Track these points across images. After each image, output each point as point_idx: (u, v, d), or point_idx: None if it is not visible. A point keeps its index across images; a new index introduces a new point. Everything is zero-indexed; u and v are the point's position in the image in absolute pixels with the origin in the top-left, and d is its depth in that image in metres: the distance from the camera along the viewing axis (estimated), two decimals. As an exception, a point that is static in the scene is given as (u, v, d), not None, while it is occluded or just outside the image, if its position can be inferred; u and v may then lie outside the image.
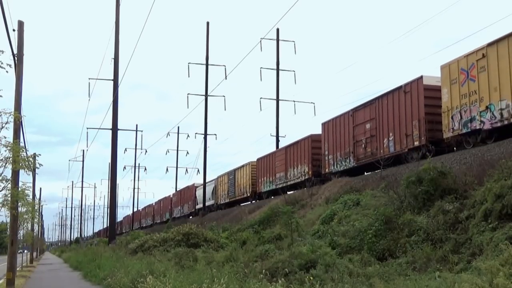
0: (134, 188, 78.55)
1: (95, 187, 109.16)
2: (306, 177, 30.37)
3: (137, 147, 69.13)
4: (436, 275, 10.23)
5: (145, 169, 75.71)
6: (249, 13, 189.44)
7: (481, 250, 10.98)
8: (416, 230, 13.58)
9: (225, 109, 54.04)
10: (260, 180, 37.40)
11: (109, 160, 38.47)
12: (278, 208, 23.67)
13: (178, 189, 63.54)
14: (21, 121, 16.13)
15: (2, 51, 12.60)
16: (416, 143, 21.21)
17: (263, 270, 12.95)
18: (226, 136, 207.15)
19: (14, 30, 15.86)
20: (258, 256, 16.87)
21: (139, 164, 77.70)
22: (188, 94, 46.99)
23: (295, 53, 44.11)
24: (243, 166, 41.34)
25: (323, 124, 28.90)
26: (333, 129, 27.71)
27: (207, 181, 47.42)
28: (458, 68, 19.14)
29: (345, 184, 24.14)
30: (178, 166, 68.26)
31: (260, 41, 40.91)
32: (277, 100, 43.42)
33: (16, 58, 16.02)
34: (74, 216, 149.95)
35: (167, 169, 66.69)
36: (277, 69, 43.87)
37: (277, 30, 44.10)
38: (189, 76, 47.08)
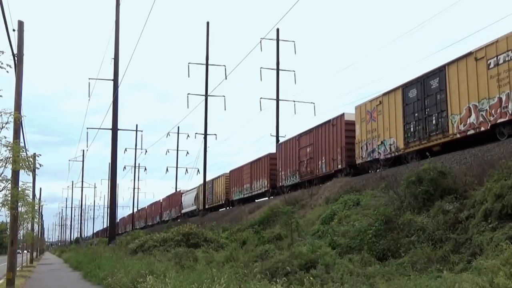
0: (134, 188, 78.79)
1: (95, 187, 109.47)
2: (266, 189, 35.78)
3: (137, 147, 69.29)
4: (442, 273, 10.22)
5: (145, 169, 75.94)
6: (249, 13, 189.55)
7: (481, 250, 10.98)
8: (416, 230, 13.57)
9: (225, 109, 54.18)
10: (232, 190, 42.78)
11: (109, 160, 38.55)
12: (278, 208, 23.67)
13: (167, 195, 67.77)
14: (21, 121, 16.12)
15: (2, 52, 12.58)
16: (339, 166, 26.49)
17: (263, 270, 12.95)
18: (226, 136, 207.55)
19: (14, 30, 15.85)
20: (258, 256, 16.86)
21: (139, 164, 77.93)
22: (188, 94, 47.16)
23: (295, 53, 44.22)
24: (219, 176, 46.86)
25: (279, 145, 34.23)
26: (285, 150, 32.89)
27: (190, 188, 52.98)
28: (366, 110, 24.50)
29: (345, 184, 24.14)
30: (178, 166, 68.49)
31: (260, 41, 40.94)
32: (277, 100, 43.43)
33: (16, 58, 16.00)
34: (74, 216, 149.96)
35: (167, 169, 66.89)
36: (277, 69, 43.87)
37: (277, 30, 44.14)
38: (189, 76, 47.16)
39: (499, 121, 17.17)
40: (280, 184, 32.48)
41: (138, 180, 79.09)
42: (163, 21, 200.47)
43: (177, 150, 67.84)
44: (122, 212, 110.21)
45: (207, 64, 46.96)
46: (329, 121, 27.86)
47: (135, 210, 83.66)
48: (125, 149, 67.52)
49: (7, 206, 14.96)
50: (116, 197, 39.46)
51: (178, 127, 68.55)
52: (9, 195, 14.75)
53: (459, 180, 14.79)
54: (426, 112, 20.67)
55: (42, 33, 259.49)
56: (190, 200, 54.10)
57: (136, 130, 63.11)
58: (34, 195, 34.94)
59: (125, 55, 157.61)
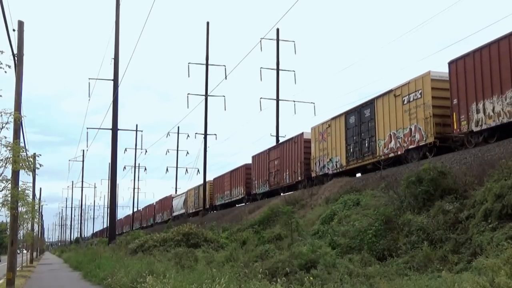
0: (134, 188, 78.71)
1: (95, 187, 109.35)
2: (242, 195, 40.20)
3: (137, 147, 69.19)
4: (442, 273, 10.22)
5: (145, 169, 75.77)
6: (249, 13, 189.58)
7: (481, 250, 10.97)
8: (416, 230, 13.57)
9: (225, 109, 54.13)
10: (215, 195, 47.63)
11: (109, 160, 38.54)
12: (278, 208, 23.68)
13: (159, 198, 72.76)
14: (21, 121, 16.10)
15: (2, 51, 12.56)
16: (299, 178, 30.67)
17: (263, 270, 12.94)
18: (226, 136, 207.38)
19: (14, 30, 15.83)
20: (258, 256, 16.87)
21: (139, 164, 77.85)
22: (188, 94, 47.16)
23: (295, 53, 44.23)
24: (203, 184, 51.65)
25: (253, 157, 38.26)
26: (258, 162, 37.26)
27: (180, 193, 57.64)
28: (318, 131, 29.05)
29: (345, 184, 24.15)
30: (178, 166, 68.48)
31: (260, 41, 40.94)
32: (277, 100, 43.42)
33: (16, 58, 15.99)
34: (74, 216, 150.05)
35: (167, 169, 66.86)
36: (277, 69, 43.86)
37: (277, 30, 44.13)
38: (189, 76, 47.14)
39: (410, 147, 21.40)
40: (254, 191, 37.29)
41: (138, 180, 79.12)
42: (164, 21, 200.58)
43: (177, 150, 67.92)
44: (122, 212, 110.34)
45: (207, 64, 46.96)
46: (292, 138, 32.53)
47: (136, 210, 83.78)
48: (125, 149, 67.49)
49: (7, 206, 14.96)
50: (116, 197, 39.48)
51: (178, 127, 68.72)
52: (9, 195, 14.74)
53: (459, 180, 14.78)
54: (361, 136, 25.03)
55: (43, 33, 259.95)
56: (179, 204, 59.21)
57: (136, 130, 63.12)
58: (34, 195, 34.94)
59: (126, 55, 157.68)
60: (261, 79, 43.88)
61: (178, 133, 66.60)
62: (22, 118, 16.33)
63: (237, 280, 11.57)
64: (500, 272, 7.81)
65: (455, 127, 19.03)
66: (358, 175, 26.02)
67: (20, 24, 16.35)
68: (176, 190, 67.83)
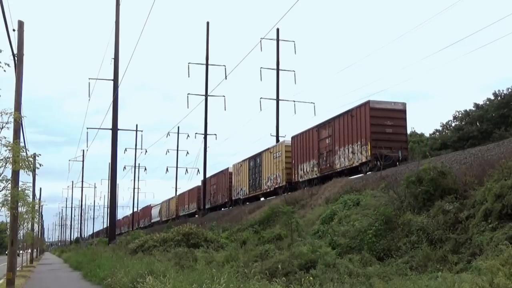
0: (134, 188, 78.79)
1: (95, 187, 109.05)
2: (195, 210, 52.46)
3: (137, 147, 69.15)
4: (436, 275, 10.22)
5: (145, 169, 75.48)
6: (249, 13, 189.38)
7: (481, 250, 10.97)
8: (416, 230, 13.57)
9: (225, 109, 53.89)
10: (179, 208, 60.64)
11: (109, 160, 38.54)
12: (278, 208, 23.66)
13: (141, 207, 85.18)
14: (22, 121, 16.10)
15: (1, 50, 12.55)
16: (226, 199, 44.59)
17: (263, 270, 12.94)
18: (226, 136, 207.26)
19: (14, 30, 15.82)
20: (258, 256, 16.87)
21: (139, 164, 77.72)
22: (188, 94, 47.20)
23: (295, 53, 44.29)
24: (172, 197, 65.78)
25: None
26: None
27: (157, 203, 69.45)
28: (236, 167, 41.97)
29: (345, 184, 24.15)
30: (178, 166, 68.54)
31: (260, 41, 40.94)
32: (277, 100, 43.42)
33: (16, 58, 15.99)
34: (74, 216, 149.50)
35: (167, 169, 66.80)
36: (277, 69, 43.86)
37: (277, 30, 44.14)
38: (189, 76, 47.05)
39: (276, 186, 34.18)
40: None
41: (138, 180, 79.21)
42: (164, 21, 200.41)
43: (177, 150, 67.94)
44: (122, 212, 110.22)
45: (207, 64, 46.94)
46: (222, 171, 46.92)
47: (135, 210, 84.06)
48: (125, 149, 67.37)
49: (7, 206, 14.95)
50: (116, 197, 39.50)
51: (178, 127, 68.58)
52: (9, 195, 14.74)
53: (459, 180, 14.76)
54: (255, 176, 38.06)
55: (45, 34, 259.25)
56: (156, 213, 73.19)
57: (136, 130, 63.04)
58: (34, 195, 34.98)
59: (127, 55, 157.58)
60: (261, 79, 44.02)
61: (178, 133, 66.69)
62: (22, 118, 16.33)
63: (236, 280, 11.56)
64: (498, 273, 7.80)
65: (293, 177, 32.13)
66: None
67: (20, 24, 16.35)
68: (176, 190, 68.19)
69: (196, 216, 48.96)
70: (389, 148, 23.94)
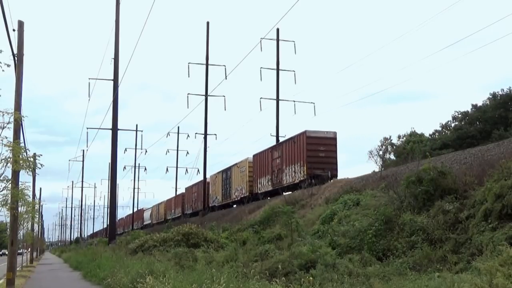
0: (134, 188, 78.84)
1: (95, 187, 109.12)
2: (180, 214, 58.95)
3: (137, 147, 69.12)
4: (435, 275, 10.22)
5: (145, 169, 75.42)
6: (249, 13, 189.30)
7: (481, 250, 10.97)
8: (416, 230, 13.57)
9: (225, 109, 53.84)
10: (167, 212, 67.07)
11: (109, 160, 38.53)
12: (278, 208, 23.67)
13: (141, 207, 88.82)
14: (22, 121, 16.08)
15: (1, 50, 12.54)
16: (201, 207, 49.58)
17: (263, 270, 12.94)
18: (226, 136, 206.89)
19: (14, 30, 15.81)
20: (258, 256, 16.87)
21: (139, 164, 77.65)
22: (188, 94, 47.26)
23: (295, 53, 44.28)
24: (161, 202, 71.91)
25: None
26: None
27: (149, 207, 76.62)
28: (212, 178, 48.00)
29: (345, 184, 24.16)
30: (178, 166, 68.56)
31: (260, 41, 40.92)
32: (277, 100, 43.40)
33: (16, 58, 15.98)
34: (74, 216, 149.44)
35: (167, 169, 66.79)
36: (277, 69, 43.84)
37: (277, 30, 44.11)
38: (189, 76, 47.05)
39: (241, 196, 40.03)
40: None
41: (138, 180, 79.27)
42: (164, 21, 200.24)
43: (177, 150, 67.95)
44: (122, 212, 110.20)
45: (207, 64, 46.93)
46: (200, 181, 51.70)
47: (135, 210, 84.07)
48: (125, 149, 67.29)
49: (7, 206, 14.94)
50: (116, 197, 39.45)
51: (178, 127, 68.57)
52: (9, 195, 14.73)
53: (459, 180, 14.77)
54: (226, 187, 43.73)
55: (46, 34, 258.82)
56: (147, 216, 79.56)
57: (136, 130, 62.98)
58: (34, 195, 34.94)
59: (127, 55, 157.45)
60: (261, 79, 44.00)
61: (178, 133, 66.68)
62: (23, 118, 16.31)
63: (236, 280, 11.57)
64: (497, 274, 7.80)
65: (254, 189, 37.74)
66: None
67: (20, 24, 16.33)
68: (176, 190, 68.23)
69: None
70: (321, 169, 29.25)
